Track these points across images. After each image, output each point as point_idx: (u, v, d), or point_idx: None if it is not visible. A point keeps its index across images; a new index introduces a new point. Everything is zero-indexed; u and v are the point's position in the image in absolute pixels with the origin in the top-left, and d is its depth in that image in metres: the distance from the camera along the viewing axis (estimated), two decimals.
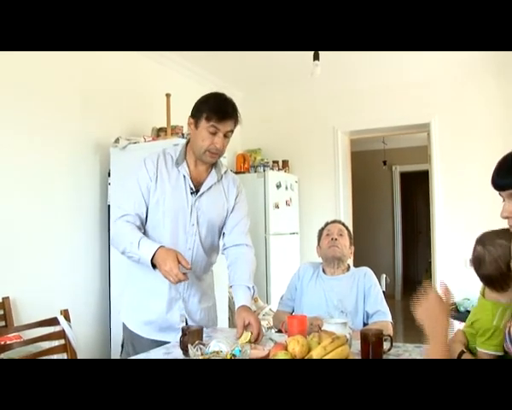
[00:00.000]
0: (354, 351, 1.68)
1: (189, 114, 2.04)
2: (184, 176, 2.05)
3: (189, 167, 2.06)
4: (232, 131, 2.03)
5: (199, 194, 2.06)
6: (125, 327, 2.11)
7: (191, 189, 2.05)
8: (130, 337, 2.08)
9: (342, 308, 2.34)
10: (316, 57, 3.65)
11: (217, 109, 1.96)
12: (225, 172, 2.18)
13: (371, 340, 1.63)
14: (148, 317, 2.04)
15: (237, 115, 2.01)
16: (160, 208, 2.01)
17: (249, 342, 1.81)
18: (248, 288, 2.05)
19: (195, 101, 2.04)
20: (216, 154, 2.02)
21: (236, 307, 2.00)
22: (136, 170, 2.05)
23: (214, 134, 1.97)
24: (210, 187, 2.09)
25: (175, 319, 2.03)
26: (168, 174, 2.04)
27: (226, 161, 4.38)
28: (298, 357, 1.50)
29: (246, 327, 1.90)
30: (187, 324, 2.04)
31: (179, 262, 1.81)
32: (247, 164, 5.24)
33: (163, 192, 2.00)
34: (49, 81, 3.31)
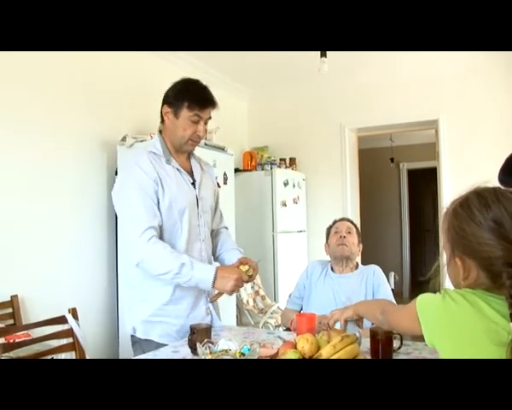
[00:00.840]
0: (364, 349, 1.67)
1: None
2: (178, 169, 2.00)
3: (176, 160, 2.02)
4: (210, 117, 2.01)
5: (197, 183, 2.05)
6: (147, 343, 1.95)
7: (190, 180, 2.03)
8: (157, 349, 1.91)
9: None
10: (323, 54, 3.64)
11: (199, 97, 1.93)
12: (199, 158, 2.18)
13: (381, 338, 1.62)
14: (179, 323, 1.95)
15: (216, 101, 1.98)
16: (173, 209, 1.93)
17: (249, 275, 1.93)
18: (239, 250, 2.15)
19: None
20: (197, 142, 2.01)
21: (236, 259, 2.05)
22: (132, 176, 1.92)
23: (197, 122, 1.94)
24: (200, 174, 2.09)
25: (202, 314, 2.01)
26: (166, 173, 1.95)
27: (233, 158, 4.38)
28: (307, 355, 1.49)
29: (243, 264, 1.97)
30: (212, 317, 2.06)
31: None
32: (255, 162, 5.23)
33: (171, 192, 1.93)
34: (56, 79, 3.31)
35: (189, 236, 1.97)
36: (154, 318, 1.95)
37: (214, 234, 2.23)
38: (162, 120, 2.02)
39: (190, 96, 1.93)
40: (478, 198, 1.08)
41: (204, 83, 2.01)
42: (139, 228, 1.83)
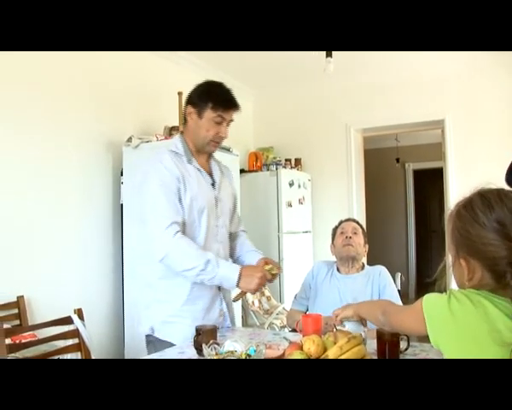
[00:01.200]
0: (370, 351, 1.66)
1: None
2: (199, 169, 2.02)
3: (196, 161, 2.04)
4: (233, 120, 2.03)
5: (217, 185, 2.06)
6: (164, 344, 1.93)
7: (209, 181, 2.05)
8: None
9: None
10: (329, 54, 3.63)
11: (223, 99, 1.96)
12: (218, 160, 2.19)
13: (387, 339, 1.61)
14: (195, 325, 1.91)
15: (239, 104, 2.00)
16: (193, 208, 1.95)
17: (273, 273, 1.95)
18: (258, 252, 2.17)
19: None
20: (219, 143, 2.03)
21: (257, 260, 2.08)
22: (155, 173, 1.93)
23: (220, 123, 1.96)
24: (220, 176, 2.10)
25: (215, 316, 2.03)
26: (188, 172, 1.97)
27: (239, 159, 4.38)
28: (313, 357, 1.48)
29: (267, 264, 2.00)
30: (225, 319, 2.08)
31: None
32: (260, 162, 5.22)
33: (192, 191, 1.94)
34: (62, 80, 3.32)
35: (206, 236, 1.98)
36: (173, 318, 1.95)
37: (233, 237, 2.24)
38: (184, 121, 2.04)
39: (215, 98, 1.95)
40: (481, 199, 1.09)
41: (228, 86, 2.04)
42: (163, 223, 1.85)
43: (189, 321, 1.93)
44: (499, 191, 1.10)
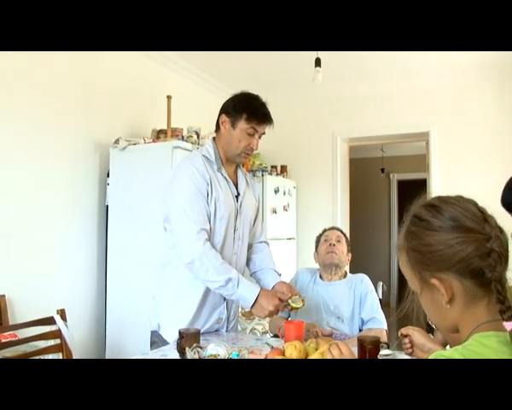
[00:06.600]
0: None
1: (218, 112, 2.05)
2: (227, 179, 2.04)
3: (225, 170, 2.06)
4: (264, 133, 2.06)
5: (240, 197, 2.08)
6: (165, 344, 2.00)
7: (235, 193, 2.06)
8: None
9: (339, 314, 2.35)
10: (317, 64, 3.65)
11: (258, 112, 1.99)
12: (245, 171, 2.21)
13: (368, 347, 1.63)
14: (202, 327, 2.00)
15: (272, 119, 2.05)
16: (217, 215, 1.97)
17: (295, 307, 1.96)
18: (277, 272, 2.20)
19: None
20: (249, 154, 2.05)
21: (274, 283, 2.12)
22: (188, 176, 1.94)
23: (252, 135, 1.99)
24: (245, 188, 2.12)
25: (212, 322, 2.06)
26: (217, 179, 1.99)
27: None
28: None
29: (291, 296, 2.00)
30: (227, 328, 2.12)
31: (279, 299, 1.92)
32: (246, 168, 5.24)
33: (218, 198, 1.96)
34: (50, 80, 3.31)
35: (222, 245, 2.00)
36: (178, 322, 1.95)
37: (254, 249, 2.26)
38: (217, 129, 2.06)
39: (250, 110, 1.97)
40: (426, 209, 1.00)
41: (263, 99, 2.06)
42: (194, 228, 1.88)
43: (189, 324, 1.97)
44: (438, 197, 1.01)
